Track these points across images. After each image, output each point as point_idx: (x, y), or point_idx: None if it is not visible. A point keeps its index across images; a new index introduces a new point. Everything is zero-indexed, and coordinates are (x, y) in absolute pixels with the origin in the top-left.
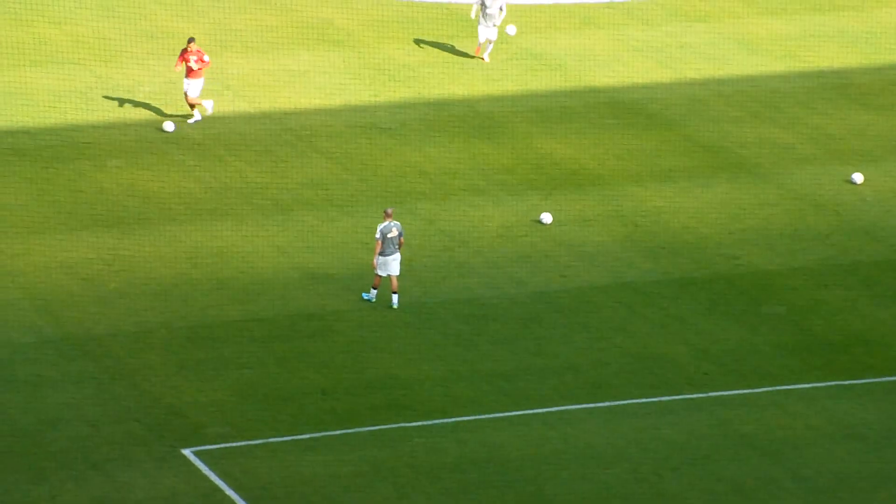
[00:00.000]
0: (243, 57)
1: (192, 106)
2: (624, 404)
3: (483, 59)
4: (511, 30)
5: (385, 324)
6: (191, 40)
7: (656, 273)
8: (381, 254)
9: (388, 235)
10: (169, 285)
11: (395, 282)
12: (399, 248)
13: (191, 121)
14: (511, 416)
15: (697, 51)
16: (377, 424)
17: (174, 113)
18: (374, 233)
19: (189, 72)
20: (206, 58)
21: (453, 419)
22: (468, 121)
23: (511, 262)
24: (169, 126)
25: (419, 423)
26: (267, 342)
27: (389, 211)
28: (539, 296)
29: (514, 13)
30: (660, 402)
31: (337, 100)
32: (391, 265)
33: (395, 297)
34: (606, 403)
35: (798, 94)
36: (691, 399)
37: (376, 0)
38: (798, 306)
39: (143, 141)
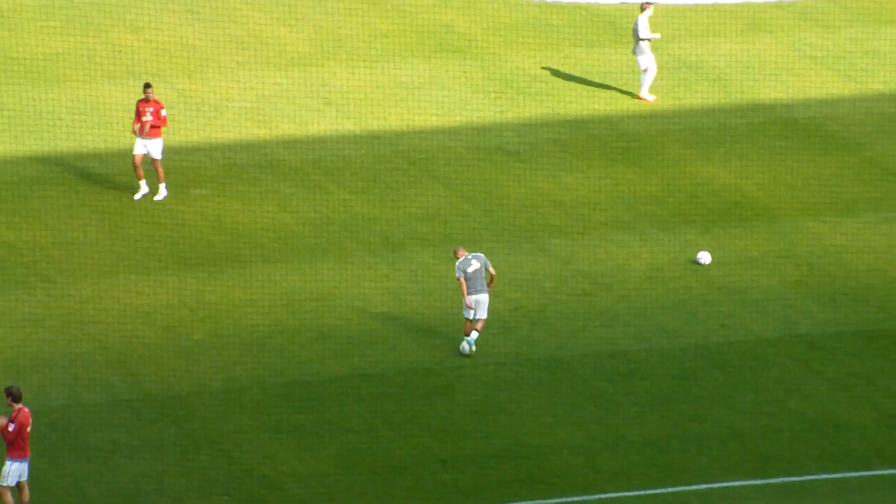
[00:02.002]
0: (348, 68)
1: (158, 175)
2: (800, 480)
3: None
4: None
5: (515, 382)
6: (147, 86)
7: (836, 323)
8: (470, 292)
9: (469, 270)
10: (262, 336)
11: (480, 324)
12: (490, 285)
13: (159, 196)
14: (664, 492)
15: (887, 59)
16: (506, 501)
17: (269, 135)
18: (456, 273)
19: (143, 129)
20: (163, 112)
21: (596, 496)
22: (610, 143)
23: (662, 309)
24: None
25: (556, 500)
26: (376, 402)
27: (460, 251)
28: (696, 349)
29: (666, 15)
30: (843, 478)
31: (457, 118)
32: (479, 307)
33: (474, 336)
34: (779, 479)
35: None
36: (882, 476)
37: (504, 1)
38: None
39: (232, 166)
